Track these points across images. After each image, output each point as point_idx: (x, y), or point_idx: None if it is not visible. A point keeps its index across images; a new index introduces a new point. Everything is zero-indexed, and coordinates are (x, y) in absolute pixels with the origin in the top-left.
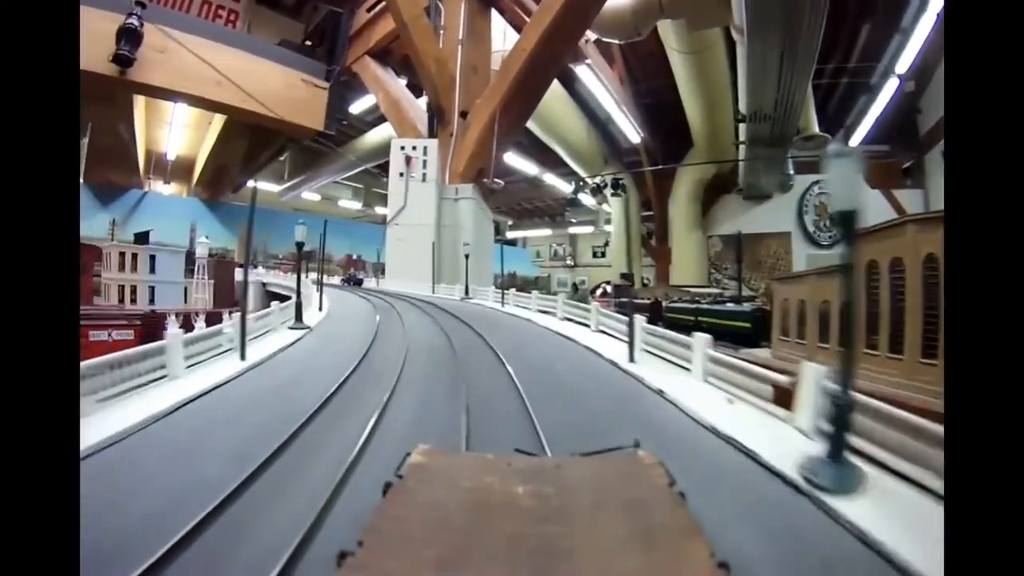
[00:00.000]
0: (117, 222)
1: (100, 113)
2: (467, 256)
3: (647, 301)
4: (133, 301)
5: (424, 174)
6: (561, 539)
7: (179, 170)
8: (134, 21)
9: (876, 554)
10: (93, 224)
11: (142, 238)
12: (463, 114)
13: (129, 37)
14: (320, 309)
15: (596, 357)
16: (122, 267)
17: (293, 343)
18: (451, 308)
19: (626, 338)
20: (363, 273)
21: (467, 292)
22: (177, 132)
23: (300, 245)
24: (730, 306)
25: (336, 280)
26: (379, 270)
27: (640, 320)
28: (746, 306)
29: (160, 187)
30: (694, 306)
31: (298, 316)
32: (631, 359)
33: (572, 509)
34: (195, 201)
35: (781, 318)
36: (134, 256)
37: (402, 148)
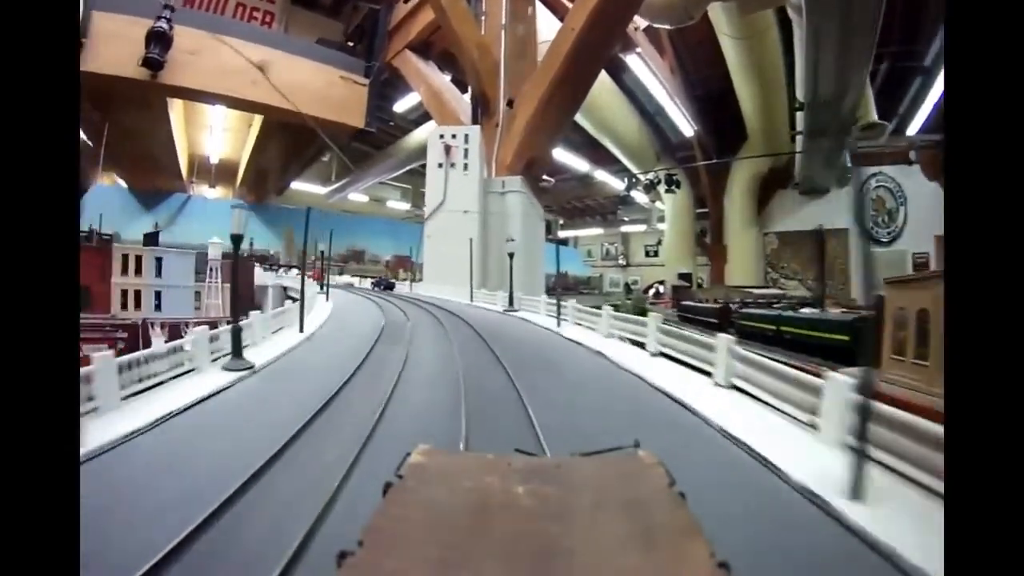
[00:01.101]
0: (160, 225)
1: (136, 118)
2: (511, 256)
3: (714, 306)
4: (137, 308)
5: (466, 164)
6: (561, 539)
7: (224, 173)
8: (163, 24)
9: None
10: (137, 228)
11: (151, 239)
12: (509, 102)
13: (158, 40)
14: (301, 330)
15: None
16: (125, 270)
17: (195, 403)
18: (485, 328)
19: (704, 363)
20: (409, 275)
21: (511, 302)
22: (218, 136)
23: (236, 239)
24: (823, 313)
25: (366, 284)
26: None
27: (728, 343)
28: (838, 312)
29: (205, 191)
30: (774, 313)
31: (236, 349)
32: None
33: (572, 509)
34: (238, 203)
35: (895, 332)
36: (138, 258)
37: (441, 136)
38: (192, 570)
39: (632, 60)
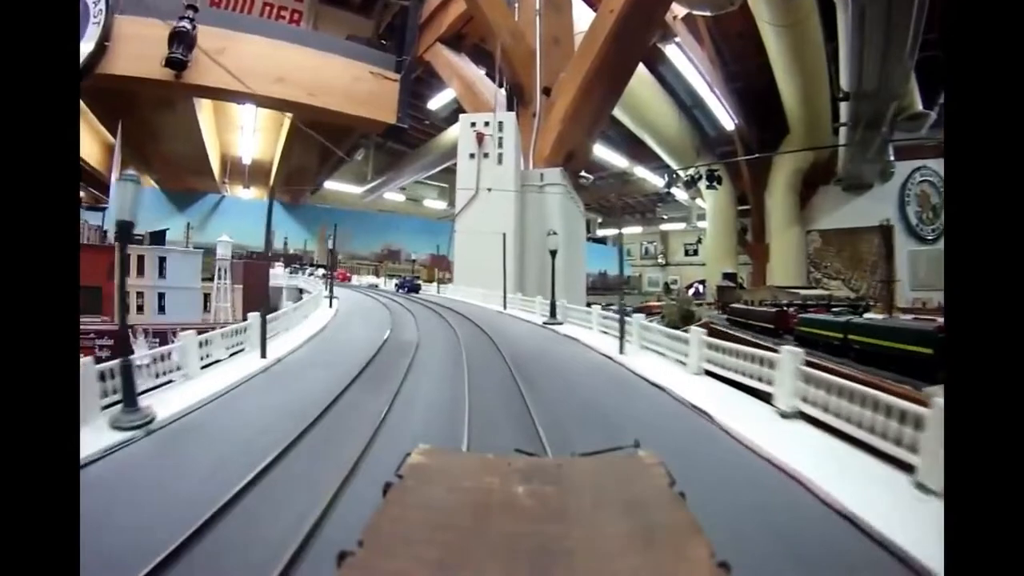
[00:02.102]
0: (193, 226)
1: (165, 119)
2: (554, 254)
3: (768, 309)
4: (139, 311)
5: (500, 154)
6: (561, 539)
7: (258, 174)
8: (185, 24)
9: None
10: (170, 228)
11: (157, 237)
12: (546, 91)
13: (181, 40)
14: (263, 355)
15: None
16: (127, 271)
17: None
18: (521, 354)
19: (763, 386)
20: (443, 275)
21: (554, 312)
22: (250, 136)
23: (124, 227)
24: (899, 320)
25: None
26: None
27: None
28: (911, 319)
29: (240, 191)
30: (842, 320)
31: (128, 396)
32: None
33: (572, 509)
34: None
35: None
36: (140, 258)
37: (472, 124)
38: None
39: (671, 50)
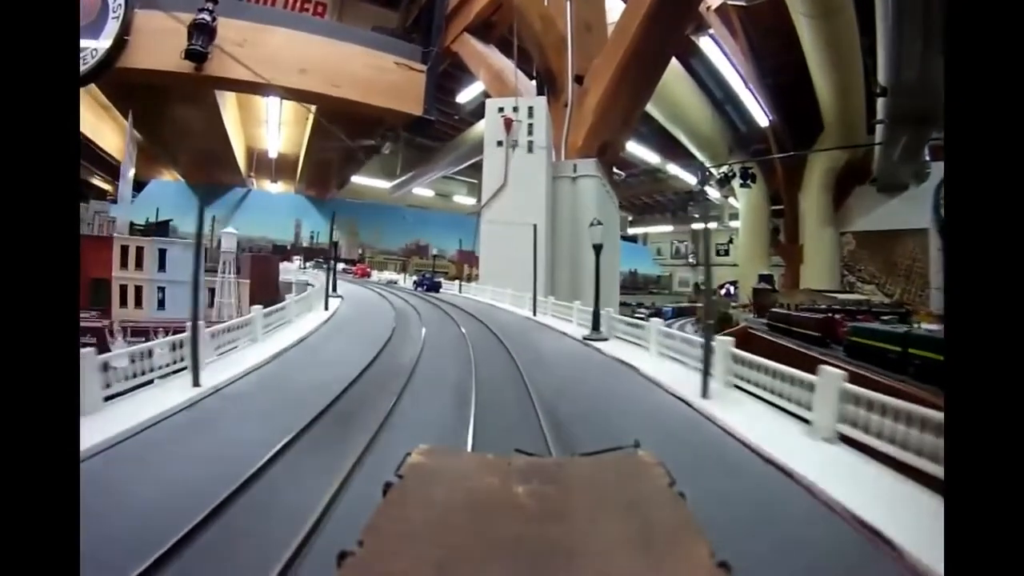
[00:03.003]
0: (218, 219)
1: (188, 113)
2: (598, 249)
3: (813, 315)
4: (138, 306)
5: (530, 142)
6: (561, 539)
7: (285, 167)
8: (205, 16)
9: None
10: (193, 221)
11: (160, 228)
12: (578, 79)
13: (200, 32)
14: (196, 383)
15: None
16: (125, 264)
17: None
18: (555, 388)
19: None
20: (470, 272)
21: (597, 324)
22: (276, 130)
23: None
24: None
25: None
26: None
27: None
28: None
29: (268, 185)
30: (900, 330)
31: None
32: None
33: (572, 509)
34: (300, 198)
35: None
36: (139, 250)
37: (500, 110)
38: None
39: (704, 43)
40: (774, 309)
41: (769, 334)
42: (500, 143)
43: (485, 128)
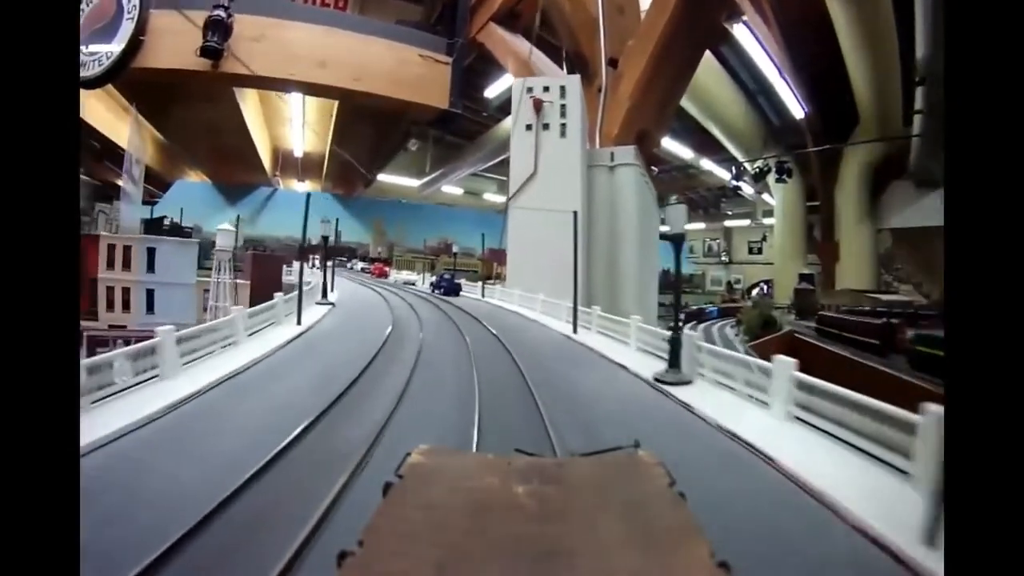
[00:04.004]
0: (244, 218)
1: (208, 112)
2: (679, 242)
3: (871, 320)
4: (125, 310)
5: (563, 125)
6: (561, 539)
7: (311, 167)
8: (220, 12)
9: None
10: (221, 221)
11: (154, 226)
12: (612, 62)
13: (215, 28)
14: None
15: None
16: (111, 264)
17: None
18: None
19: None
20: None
21: (675, 358)
22: (300, 128)
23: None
24: None
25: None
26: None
27: None
28: None
29: (294, 184)
30: None
31: None
32: None
33: (572, 509)
34: (327, 196)
35: None
36: (125, 249)
37: (529, 90)
38: None
39: (738, 30)
40: (823, 312)
41: (819, 341)
42: (529, 127)
43: (512, 110)
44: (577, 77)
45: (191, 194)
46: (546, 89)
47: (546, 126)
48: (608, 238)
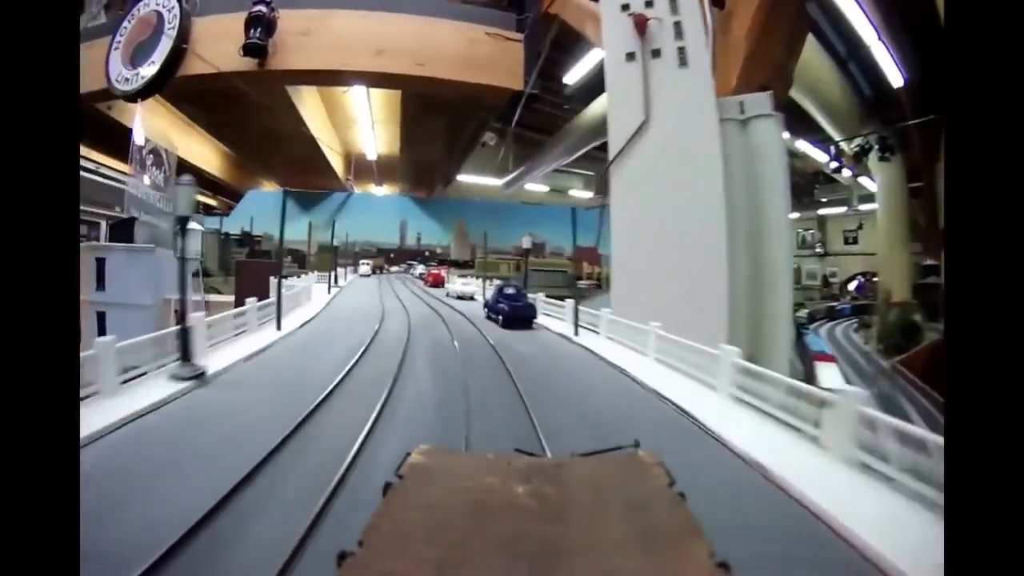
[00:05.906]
0: (316, 225)
1: (270, 122)
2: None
3: None
4: None
5: (681, 49)
6: (561, 539)
7: (387, 169)
8: (261, 8)
9: None
10: (296, 229)
11: (121, 231)
12: (717, 2)
13: (256, 25)
14: None
15: None
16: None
17: None
18: None
19: None
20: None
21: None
22: (370, 129)
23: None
24: None
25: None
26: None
27: None
28: None
29: (372, 188)
30: None
31: None
32: None
33: (572, 509)
34: (404, 199)
35: None
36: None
37: (624, 7)
38: None
39: None
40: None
41: None
42: (631, 55)
43: (604, 35)
44: None
45: (263, 203)
46: (649, 4)
47: (656, 52)
48: (748, 223)
